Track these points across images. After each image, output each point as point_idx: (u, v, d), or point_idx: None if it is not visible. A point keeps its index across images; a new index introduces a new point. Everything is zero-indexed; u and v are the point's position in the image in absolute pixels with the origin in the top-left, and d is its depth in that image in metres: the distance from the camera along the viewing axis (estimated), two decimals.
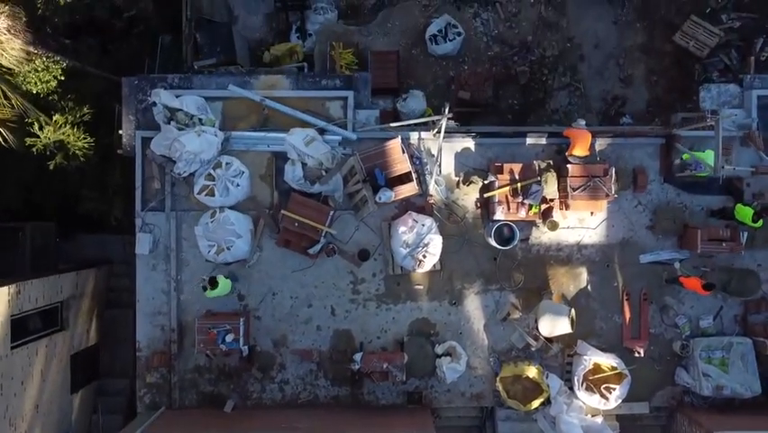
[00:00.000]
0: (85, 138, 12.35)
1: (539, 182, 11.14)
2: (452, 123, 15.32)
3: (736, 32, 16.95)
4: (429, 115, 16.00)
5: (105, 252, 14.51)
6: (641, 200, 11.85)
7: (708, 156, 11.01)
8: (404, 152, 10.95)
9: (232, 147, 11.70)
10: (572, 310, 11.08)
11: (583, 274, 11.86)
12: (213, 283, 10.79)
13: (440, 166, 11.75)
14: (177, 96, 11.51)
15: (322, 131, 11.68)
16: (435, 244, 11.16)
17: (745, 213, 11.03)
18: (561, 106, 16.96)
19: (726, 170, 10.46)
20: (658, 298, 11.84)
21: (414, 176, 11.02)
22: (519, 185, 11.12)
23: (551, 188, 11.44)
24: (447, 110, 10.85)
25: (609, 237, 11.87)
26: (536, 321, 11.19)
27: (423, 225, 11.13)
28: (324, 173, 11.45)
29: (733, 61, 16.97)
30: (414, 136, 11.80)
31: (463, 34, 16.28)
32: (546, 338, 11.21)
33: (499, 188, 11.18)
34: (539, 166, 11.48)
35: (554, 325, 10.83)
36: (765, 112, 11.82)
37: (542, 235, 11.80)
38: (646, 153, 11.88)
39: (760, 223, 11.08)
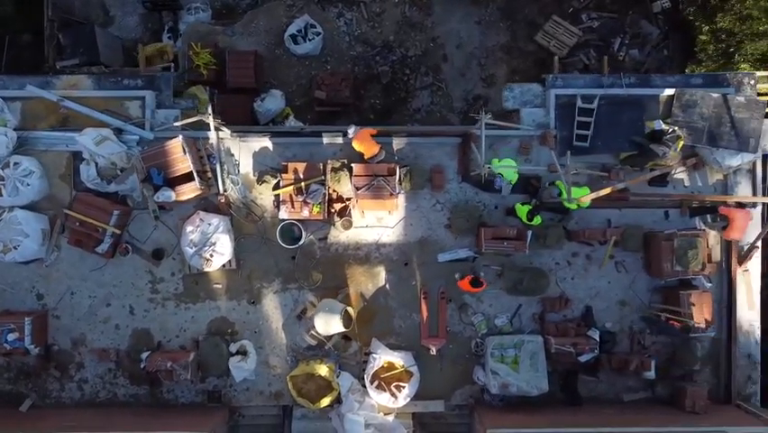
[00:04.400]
0: None
1: (322, 182, 11.18)
2: (295, 122, 15.46)
3: (596, 32, 17.07)
4: (287, 115, 16.14)
5: None
6: (439, 199, 11.88)
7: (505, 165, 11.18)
8: (185, 152, 10.96)
9: (33, 147, 11.76)
10: (350, 308, 11.13)
11: (382, 273, 11.89)
12: None
13: (238, 166, 11.80)
14: None
15: (121, 130, 11.75)
16: (223, 243, 11.20)
17: (521, 211, 11.07)
18: (423, 106, 17.10)
19: (487, 170, 10.47)
20: (457, 296, 11.87)
21: (196, 175, 11.01)
22: (303, 184, 11.16)
23: (344, 186, 11.51)
24: (210, 109, 10.81)
25: (408, 236, 11.90)
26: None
27: (209, 224, 11.17)
28: (119, 173, 11.51)
29: (591, 61, 17.09)
30: (212, 136, 11.81)
31: (322, 34, 16.39)
32: (326, 337, 11.23)
33: (284, 187, 11.23)
34: (332, 165, 11.52)
35: (328, 323, 10.85)
36: (565, 111, 11.83)
37: (340, 234, 11.84)
38: (444, 153, 11.90)
39: (537, 220, 11.12)
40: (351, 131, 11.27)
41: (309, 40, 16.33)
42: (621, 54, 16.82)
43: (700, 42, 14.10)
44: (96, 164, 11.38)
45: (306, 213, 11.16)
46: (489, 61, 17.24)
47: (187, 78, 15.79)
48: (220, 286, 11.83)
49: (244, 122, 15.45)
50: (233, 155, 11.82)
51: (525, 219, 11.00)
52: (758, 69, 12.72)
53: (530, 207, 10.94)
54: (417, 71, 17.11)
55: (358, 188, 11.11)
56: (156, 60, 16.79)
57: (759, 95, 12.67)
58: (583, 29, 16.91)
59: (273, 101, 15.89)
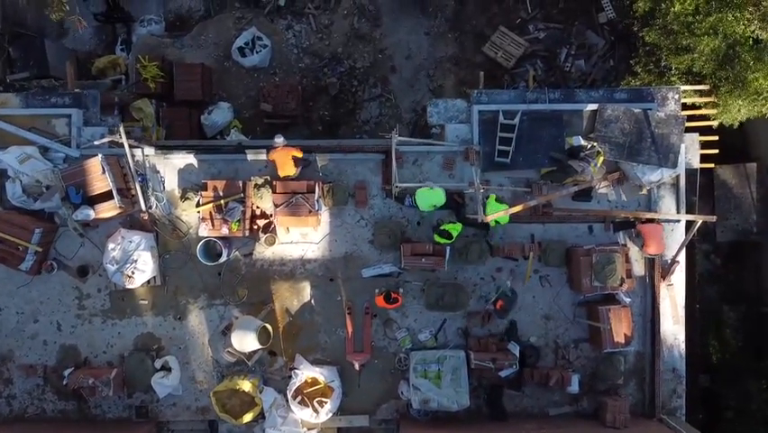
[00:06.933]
0: None
1: (241, 199, 11.25)
2: (237, 135, 15.50)
3: (542, 43, 17.11)
4: (234, 127, 16.21)
5: None
6: (363, 215, 11.94)
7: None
8: (104, 171, 11.02)
9: None
10: (268, 325, 11.20)
11: (307, 289, 11.95)
12: None
13: (163, 182, 11.88)
14: None
15: (47, 148, 11.83)
16: (144, 260, 11.28)
17: (439, 240, 11.15)
18: (371, 117, 17.17)
19: (399, 189, 10.53)
20: (382, 311, 11.92)
21: (116, 193, 11.04)
22: (223, 201, 11.23)
23: (267, 203, 11.58)
24: (121, 128, 10.87)
25: (333, 252, 11.96)
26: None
27: (130, 241, 11.25)
28: (45, 190, 11.61)
29: (538, 71, 17.12)
30: (138, 153, 11.87)
31: (269, 46, 16.47)
32: (244, 353, 11.27)
33: (204, 204, 11.30)
34: (255, 182, 11.59)
35: (244, 340, 10.91)
36: (488, 126, 11.87)
37: (265, 250, 11.90)
38: (368, 169, 11.95)
39: (456, 228, 11.14)
40: (279, 140, 11.28)
41: (256, 52, 16.44)
42: (567, 65, 16.87)
43: (637, 55, 14.12)
44: (21, 182, 11.47)
45: (225, 230, 11.22)
46: (438, 72, 17.31)
47: (135, 90, 15.91)
48: (146, 302, 11.90)
49: (191, 135, 15.55)
50: (158, 172, 11.89)
51: (445, 240, 11.07)
52: (688, 83, 12.74)
53: (440, 228, 11.03)
54: (366, 83, 17.19)
55: (277, 206, 11.17)
56: (109, 72, 16.96)
57: (690, 107, 12.76)
58: (530, 40, 16.96)
59: (220, 114, 16.00)
